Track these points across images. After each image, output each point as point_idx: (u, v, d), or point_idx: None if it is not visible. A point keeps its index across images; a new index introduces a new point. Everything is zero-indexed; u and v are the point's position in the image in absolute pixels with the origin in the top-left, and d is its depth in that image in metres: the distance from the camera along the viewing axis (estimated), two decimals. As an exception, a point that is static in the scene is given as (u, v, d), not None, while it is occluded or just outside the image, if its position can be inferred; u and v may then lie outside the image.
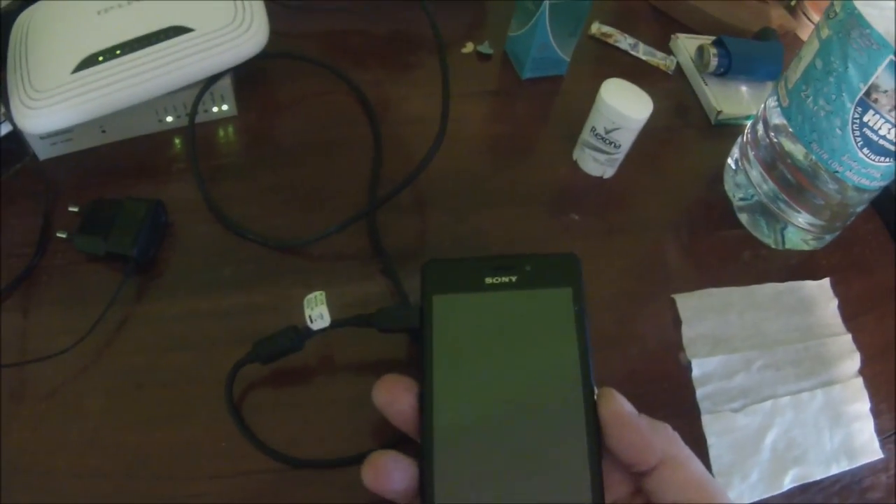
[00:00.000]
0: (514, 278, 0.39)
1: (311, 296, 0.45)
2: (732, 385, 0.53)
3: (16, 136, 0.54)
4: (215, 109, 0.61)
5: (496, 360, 0.37)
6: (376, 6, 0.74)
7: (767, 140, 0.59)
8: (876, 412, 0.54)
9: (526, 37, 0.68)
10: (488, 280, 0.39)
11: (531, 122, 0.69)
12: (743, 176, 0.63)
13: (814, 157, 0.55)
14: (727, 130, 0.72)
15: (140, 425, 0.45)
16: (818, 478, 0.50)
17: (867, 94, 0.49)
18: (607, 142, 0.60)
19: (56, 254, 0.51)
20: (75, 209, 0.52)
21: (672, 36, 0.80)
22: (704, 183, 0.67)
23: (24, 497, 0.42)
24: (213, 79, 0.57)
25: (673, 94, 0.75)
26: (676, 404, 0.52)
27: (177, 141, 0.59)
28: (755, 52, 0.76)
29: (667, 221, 0.63)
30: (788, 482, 0.50)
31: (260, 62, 0.57)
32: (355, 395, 0.48)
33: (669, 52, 0.79)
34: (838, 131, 0.52)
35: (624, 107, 0.58)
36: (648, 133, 0.61)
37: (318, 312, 0.44)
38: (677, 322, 0.56)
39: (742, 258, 0.62)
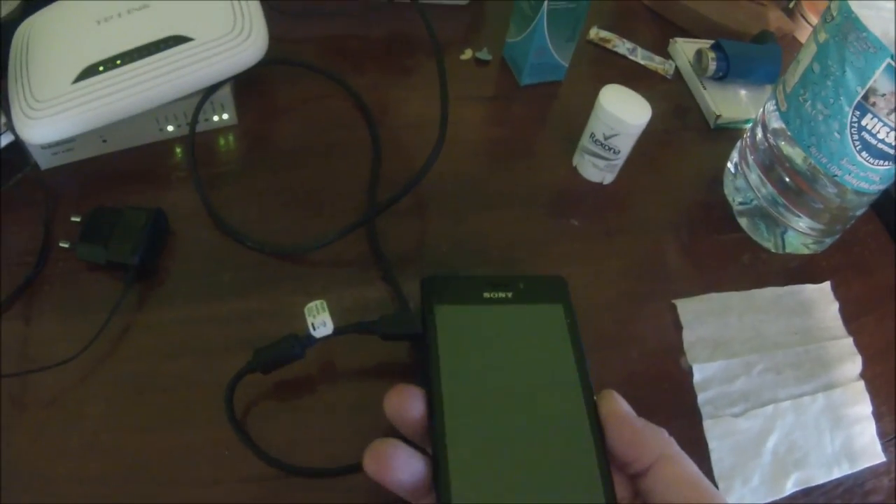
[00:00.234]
0: (509, 294, 0.41)
1: (311, 304, 0.45)
2: (733, 389, 0.53)
3: (17, 145, 0.54)
4: (216, 118, 0.61)
5: (499, 366, 0.38)
6: (373, 11, 0.74)
7: (766, 144, 0.59)
8: (877, 415, 0.54)
9: (524, 43, 0.68)
10: (486, 294, 0.41)
11: (530, 126, 0.69)
12: (742, 180, 0.63)
13: (812, 161, 0.55)
14: (726, 134, 0.72)
15: (140, 431, 0.45)
16: (820, 481, 0.50)
17: (865, 97, 0.49)
18: (606, 148, 0.60)
19: (57, 262, 0.52)
20: (77, 218, 0.52)
21: (670, 40, 0.80)
22: (704, 186, 0.67)
23: (26, 503, 0.42)
24: (214, 88, 0.57)
25: (672, 98, 0.75)
26: (676, 406, 0.52)
27: (177, 150, 0.59)
28: (753, 55, 0.76)
29: (666, 225, 0.63)
30: (790, 486, 0.50)
31: (259, 69, 0.57)
32: (355, 401, 0.48)
33: (668, 56, 0.79)
34: (836, 135, 0.52)
35: (622, 113, 0.58)
36: (648, 137, 0.61)
37: (320, 320, 0.44)
38: (677, 325, 0.56)
39: (742, 261, 0.62)
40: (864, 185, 0.54)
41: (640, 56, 0.78)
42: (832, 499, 0.50)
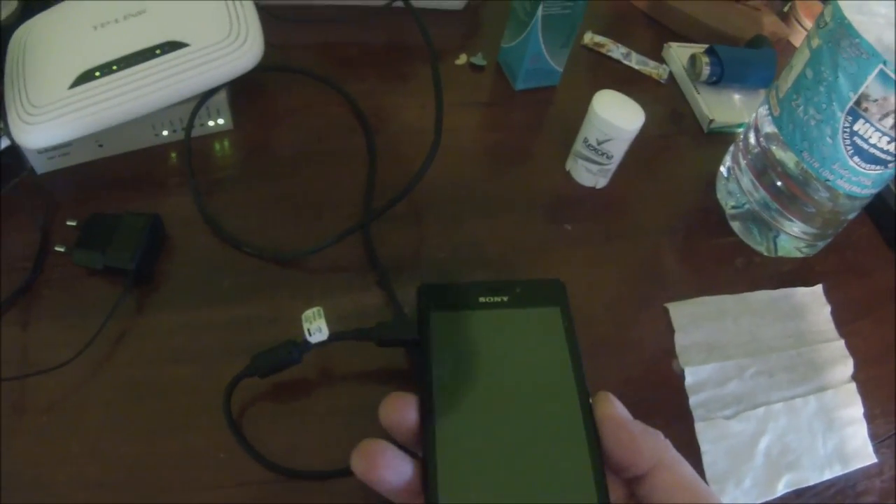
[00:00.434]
0: (505, 298, 0.41)
1: (309, 312, 0.45)
2: (726, 392, 0.54)
3: (14, 150, 0.54)
4: (211, 123, 0.61)
5: (494, 372, 0.38)
6: (371, 18, 0.75)
7: (759, 148, 0.60)
8: (870, 417, 0.55)
9: (519, 48, 0.69)
10: (482, 299, 0.41)
11: (525, 131, 0.69)
12: (735, 184, 0.63)
13: (805, 166, 0.55)
14: (720, 138, 0.72)
15: (139, 437, 0.45)
16: (812, 483, 0.51)
17: (857, 103, 0.49)
18: (600, 153, 0.61)
19: (55, 268, 0.52)
20: (73, 223, 0.53)
21: (664, 45, 0.81)
22: (697, 190, 0.67)
23: (23, 507, 0.42)
24: (209, 93, 0.57)
25: (666, 103, 0.75)
26: (672, 410, 0.53)
27: (173, 155, 0.60)
28: (747, 59, 0.76)
29: (660, 228, 0.64)
30: (782, 488, 0.50)
31: (255, 75, 0.58)
32: (353, 406, 0.48)
33: (662, 60, 0.80)
34: (829, 140, 0.52)
35: (616, 118, 0.58)
36: (642, 141, 0.61)
37: (316, 326, 0.45)
38: (671, 328, 0.56)
39: (735, 265, 0.62)
40: (855, 190, 0.55)
41: (635, 61, 0.78)
42: (824, 500, 0.51)
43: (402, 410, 0.36)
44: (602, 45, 0.79)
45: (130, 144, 0.59)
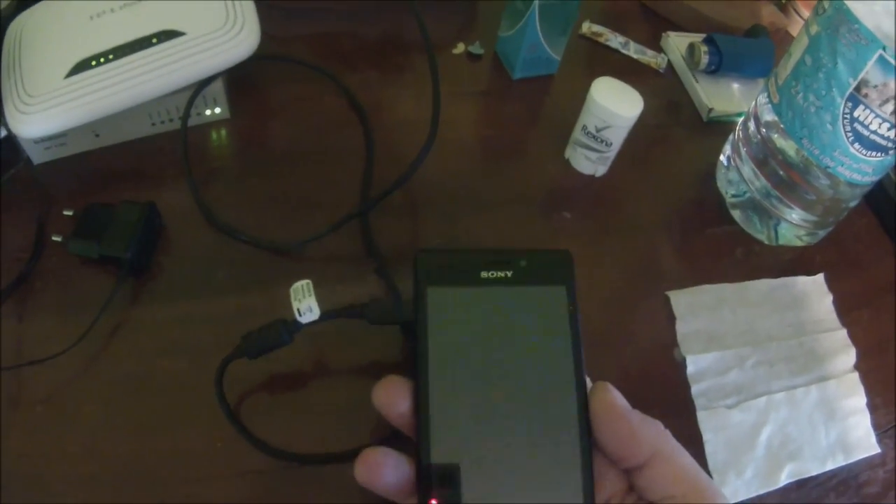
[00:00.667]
0: (509, 273, 0.39)
1: (297, 285, 0.44)
2: (727, 381, 0.53)
3: (10, 140, 0.54)
4: (208, 112, 0.61)
5: (491, 355, 0.37)
6: (366, 8, 0.74)
7: (759, 137, 0.60)
8: (872, 407, 0.55)
9: (516, 37, 0.68)
10: (483, 275, 0.39)
11: (522, 121, 0.69)
12: (735, 173, 0.63)
13: (805, 153, 0.55)
14: (719, 128, 0.72)
15: (135, 429, 0.45)
16: (814, 473, 0.51)
17: (857, 89, 0.49)
18: (599, 140, 0.60)
19: (51, 258, 0.51)
20: (70, 213, 0.52)
21: (663, 34, 0.80)
22: (697, 180, 0.67)
23: (20, 501, 0.41)
24: (206, 82, 0.57)
25: (664, 92, 0.75)
26: (670, 401, 0.52)
27: (170, 145, 0.59)
28: (746, 49, 0.76)
29: (659, 219, 0.63)
30: (784, 478, 0.50)
31: (251, 65, 0.57)
32: (349, 394, 0.48)
33: (660, 50, 0.80)
34: (829, 127, 0.52)
35: (614, 105, 0.58)
36: (640, 131, 0.61)
37: (306, 305, 0.43)
38: (671, 319, 0.56)
39: (735, 254, 0.62)
40: (856, 177, 0.54)
41: (633, 50, 0.78)
42: (826, 490, 0.50)
43: (394, 395, 0.36)
44: (600, 35, 0.78)
45: (127, 134, 0.59)
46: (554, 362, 0.37)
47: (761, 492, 0.49)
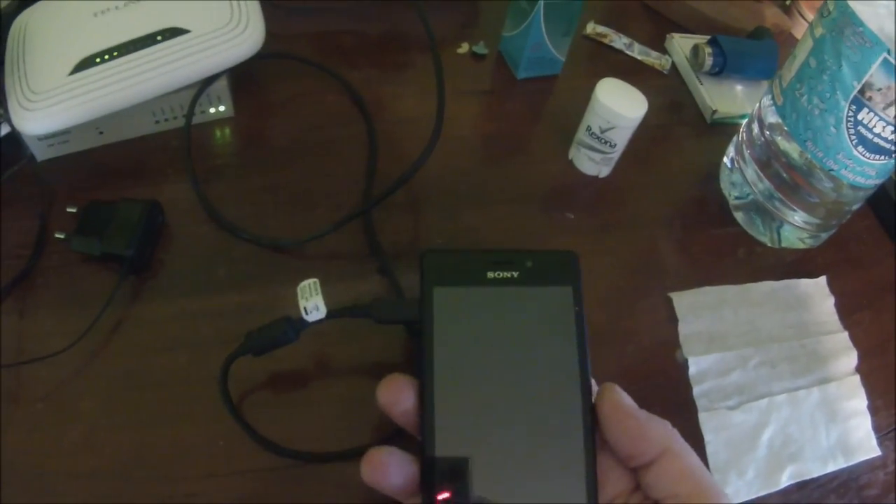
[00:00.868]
0: (515, 274, 0.39)
1: (304, 284, 0.44)
2: (728, 382, 0.53)
3: (13, 137, 0.54)
4: (212, 110, 0.61)
5: (496, 355, 0.37)
6: (368, 6, 0.74)
7: (762, 139, 0.59)
8: (873, 409, 0.55)
9: (520, 37, 0.68)
10: (490, 275, 0.39)
11: (526, 121, 0.69)
12: (738, 175, 0.63)
13: (809, 156, 0.55)
14: (722, 129, 0.72)
15: (135, 425, 0.45)
16: (815, 475, 0.51)
17: (861, 91, 0.49)
18: (602, 141, 0.60)
19: (53, 255, 0.51)
20: (73, 209, 0.52)
21: (667, 35, 0.80)
22: (700, 181, 0.67)
23: (20, 498, 0.42)
24: (210, 80, 0.57)
25: (668, 94, 0.75)
26: (672, 401, 0.52)
27: (173, 142, 0.59)
28: (750, 51, 0.76)
29: (662, 219, 0.63)
30: (785, 479, 0.50)
31: (255, 63, 0.57)
32: (352, 393, 0.48)
33: (664, 51, 0.80)
34: (833, 129, 0.52)
35: (619, 106, 0.58)
36: (644, 132, 0.61)
37: (312, 304, 0.43)
38: (672, 319, 0.56)
39: (737, 256, 0.62)
40: (859, 180, 0.54)
41: (637, 51, 0.78)
42: (827, 492, 0.50)
43: (398, 393, 0.36)
44: (604, 36, 0.78)
45: (130, 131, 0.59)
46: (559, 362, 0.37)
47: (762, 493, 0.49)
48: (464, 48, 0.73)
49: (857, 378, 0.56)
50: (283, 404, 0.47)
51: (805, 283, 0.61)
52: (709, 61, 0.73)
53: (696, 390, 0.52)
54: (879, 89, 0.48)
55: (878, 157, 0.52)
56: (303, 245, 0.55)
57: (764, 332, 0.57)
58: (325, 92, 0.66)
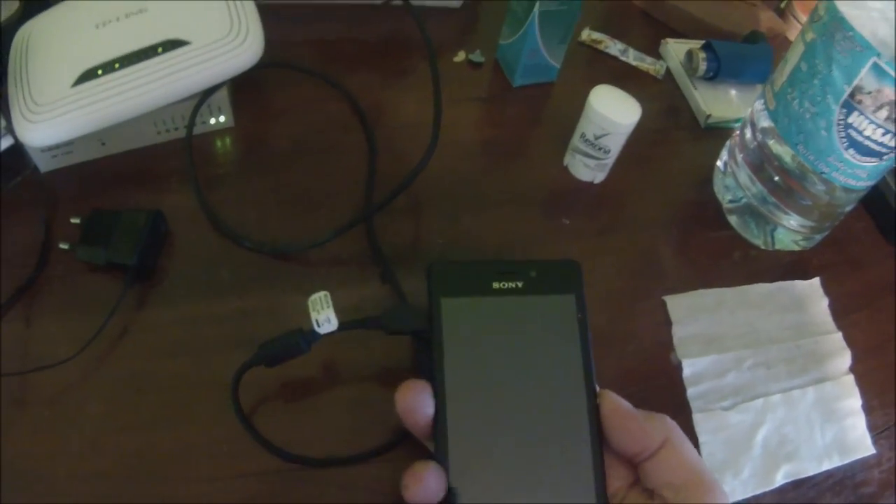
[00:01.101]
0: (519, 283, 0.40)
1: (315, 297, 0.45)
2: (724, 384, 0.54)
3: (17, 148, 0.55)
4: (213, 121, 0.62)
5: (504, 363, 0.38)
6: (366, 14, 0.75)
7: (755, 142, 0.60)
8: (868, 408, 0.55)
9: (516, 44, 0.69)
10: (495, 285, 0.40)
11: (523, 127, 0.70)
12: (731, 178, 0.64)
13: (801, 159, 0.56)
14: (716, 133, 0.73)
15: (140, 429, 0.46)
16: (810, 474, 0.51)
17: (851, 95, 0.50)
18: (597, 147, 0.61)
19: (57, 264, 0.52)
20: (76, 220, 0.53)
21: (662, 41, 0.81)
22: (694, 185, 0.68)
23: (24, 499, 0.42)
24: (211, 90, 0.58)
25: (663, 98, 0.76)
26: (670, 402, 0.53)
27: (175, 152, 0.60)
28: (744, 55, 0.76)
29: (658, 223, 0.64)
30: (780, 478, 0.50)
31: (255, 72, 0.58)
32: (357, 397, 0.49)
33: (659, 56, 0.80)
34: (824, 133, 0.53)
35: (612, 113, 0.59)
36: (639, 136, 0.61)
37: (324, 316, 0.44)
38: (669, 321, 0.57)
39: (733, 259, 0.63)
40: (851, 182, 0.55)
41: (632, 57, 0.78)
42: (823, 491, 0.51)
43: (418, 401, 0.36)
44: (599, 42, 0.79)
45: (133, 142, 0.59)
46: (564, 368, 0.38)
47: (758, 492, 0.50)
48: (460, 56, 0.74)
49: (851, 378, 0.56)
50: (289, 409, 0.48)
51: (800, 285, 0.61)
52: (703, 66, 0.74)
53: (690, 392, 0.53)
54: (869, 93, 0.49)
55: (868, 159, 0.53)
56: (304, 251, 0.55)
57: (760, 333, 0.57)
58: (325, 100, 0.67)
